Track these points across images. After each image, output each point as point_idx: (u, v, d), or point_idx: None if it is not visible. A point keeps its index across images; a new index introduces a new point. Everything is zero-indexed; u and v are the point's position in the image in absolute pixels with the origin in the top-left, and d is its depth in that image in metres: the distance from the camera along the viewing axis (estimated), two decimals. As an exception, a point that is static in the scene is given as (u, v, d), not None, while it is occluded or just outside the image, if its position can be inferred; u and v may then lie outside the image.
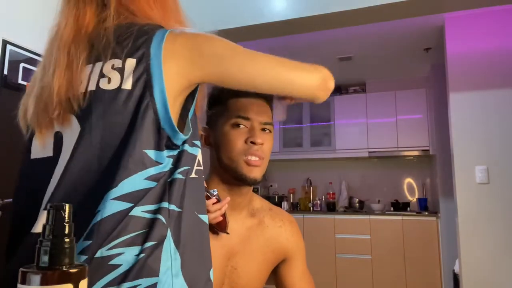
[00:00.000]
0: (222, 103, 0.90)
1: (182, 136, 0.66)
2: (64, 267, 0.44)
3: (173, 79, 0.65)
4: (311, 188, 4.93)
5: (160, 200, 0.62)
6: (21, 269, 0.44)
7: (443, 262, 3.78)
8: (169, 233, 0.62)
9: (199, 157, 0.71)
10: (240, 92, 0.88)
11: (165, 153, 0.64)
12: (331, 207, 4.59)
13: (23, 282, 0.43)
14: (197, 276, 0.65)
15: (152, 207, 0.61)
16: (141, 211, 0.61)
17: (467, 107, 2.77)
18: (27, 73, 2.48)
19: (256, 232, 0.93)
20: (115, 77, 0.65)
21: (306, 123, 4.85)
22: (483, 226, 2.62)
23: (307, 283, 1.00)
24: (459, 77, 2.82)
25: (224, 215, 0.84)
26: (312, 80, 0.74)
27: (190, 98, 0.70)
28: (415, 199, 4.54)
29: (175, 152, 0.66)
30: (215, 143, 0.90)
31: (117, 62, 0.65)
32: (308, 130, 4.84)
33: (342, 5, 2.23)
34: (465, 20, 2.85)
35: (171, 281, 0.60)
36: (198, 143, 0.71)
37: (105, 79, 0.65)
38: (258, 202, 0.99)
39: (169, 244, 0.61)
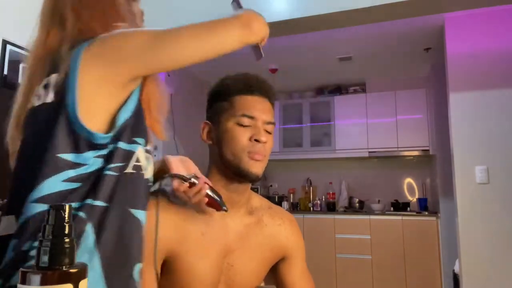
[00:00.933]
0: (226, 100, 0.91)
1: (103, 135, 0.68)
2: (64, 267, 0.44)
3: (96, 83, 0.69)
4: (311, 188, 4.93)
5: (85, 197, 0.67)
6: (21, 269, 0.44)
7: (443, 262, 3.78)
8: (88, 228, 0.65)
9: (139, 153, 0.73)
10: (244, 89, 0.89)
11: (91, 154, 0.68)
12: (331, 207, 4.59)
13: (23, 282, 0.43)
14: (117, 271, 0.67)
15: (76, 205, 0.66)
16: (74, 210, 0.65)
17: (467, 107, 2.77)
18: (27, 73, 2.48)
19: (255, 230, 0.93)
20: (43, 93, 0.73)
21: (306, 123, 4.85)
22: (483, 226, 2.62)
23: (306, 282, 1.00)
24: (459, 77, 2.82)
25: (209, 195, 0.81)
26: (233, 32, 0.76)
27: (133, 96, 0.74)
28: (415, 199, 4.54)
29: (105, 151, 0.69)
30: (217, 139, 0.90)
31: (47, 79, 0.73)
32: (308, 130, 4.84)
33: (342, 5, 2.23)
34: (465, 20, 2.85)
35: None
36: (140, 140, 0.74)
37: (36, 97, 0.74)
38: (257, 200, 0.99)
39: (87, 239, 0.65)
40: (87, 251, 0.65)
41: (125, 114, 0.72)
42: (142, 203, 0.74)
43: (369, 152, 4.51)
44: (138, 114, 0.75)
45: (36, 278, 0.43)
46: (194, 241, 0.84)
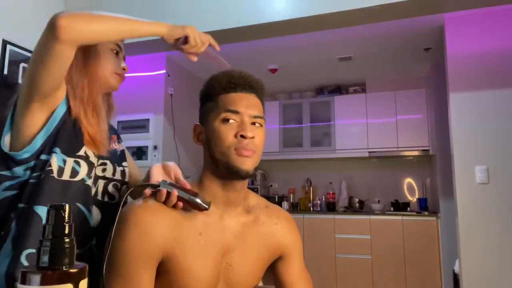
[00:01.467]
0: (212, 100, 0.90)
1: (18, 153, 0.91)
2: (64, 267, 0.44)
3: (20, 116, 0.91)
4: (311, 188, 4.93)
5: (18, 201, 0.90)
6: (21, 269, 0.44)
7: (443, 262, 3.78)
8: (13, 226, 0.89)
9: (52, 160, 0.91)
10: (227, 87, 0.88)
11: (19, 168, 0.92)
12: (331, 207, 4.59)
13: (23, 282, 0.43)
14: (15, 254, 0.87)
15: (13, 207, 0.91)
16: (10, 213, 0.91)
17: (467, 107, 2.77)
18: (27, 73, 2.48)
19: (252, 228, 0.92)
20: None
21: (306, 123, 4.85)
22: (483, 226, 2.62)
23: (304, 281, 1.00)
24: (459, 77, 2.82)
25: (182, 198, 0.83)
26: (44, 44, 0.85)
27: (54, 116, 0.93)
28: (415, 199, 4.54)
29: (31, 164, 0.92)
30: (207, 140, 0.89)
31: None
32: (308, 130, 4.84)
33: (342, 5, 2.23)
34: (465, 20, 2.85)
35: (2, 259, 0.88)
36: (56, 149, 0.92)
37: None
38: (255, 199, 0.98)
39: (12, 232, 0.89)
40: (10, 242, 0.88)
41: (42, 137, 0.92)
42: (45, 201, 0.89)
43: (369, 152, 4.51)
44: (63, 130, 0.94)
45: (36, 278, 0.43)
46: (191, 241, 0.83)
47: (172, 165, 0.95)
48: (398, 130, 4.40)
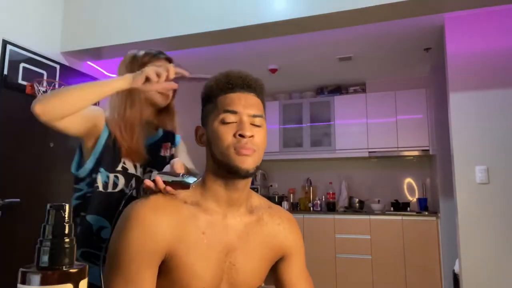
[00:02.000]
0: (212, 101, 0.90)
1: (77, 173, 1.18)
2: (64, 267, 0.44)
3: (82, 146, 1.18)
4: (311, 188, 4.93)
5: (81, 210, 1.15)
6: (21, 269, 0.44)
7: (443, 262, 3.78)
8: (78, 229, 1.13)
9: (98, 177, 1.14)
10: (225, 87, 0.89)
11: (83, 183, 1.17)
12: (331, 207, 4.59)
13: (23, 282, 0.43)
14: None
15: (78, 214, 1.15)
16: (76, 218, 1.15)
17: (467, 107, 2.77)
18: (27, 73, 2.48)
19: (255, 229, 0.93)
20: None
21: (306, 123, 4.85)
22: (483, 226, 2.62)
23: (304, 281, 1.00)
24: (459, 77, 2.82)
25: (166, 183, 0.88)
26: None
27: (99, 142, 1.15)
28: (415, 199, 4.54)
29: (87, 181, 1.16)
30: (207, 141, 0.90)
31: None
32: (308, 130, 4.84)
33: (342, 5, 2.23)
34: (465, 20, 2.85)
35: None
36: (101, 169, 1.14)
37: None
38: (257, 199, 0.99)
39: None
40: None
41: (92, 160, 1.15)
42: (92, 210, 1.13)
43: (369, 152, 4.51)
44: (106, 152, 1.15)
45: (36, 278, 0.43)
46: (194, 240, 0.83)
47: (176, 159, 1.07)
48: (398, 130, 4.40)
